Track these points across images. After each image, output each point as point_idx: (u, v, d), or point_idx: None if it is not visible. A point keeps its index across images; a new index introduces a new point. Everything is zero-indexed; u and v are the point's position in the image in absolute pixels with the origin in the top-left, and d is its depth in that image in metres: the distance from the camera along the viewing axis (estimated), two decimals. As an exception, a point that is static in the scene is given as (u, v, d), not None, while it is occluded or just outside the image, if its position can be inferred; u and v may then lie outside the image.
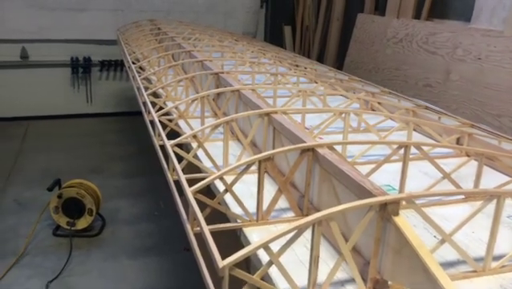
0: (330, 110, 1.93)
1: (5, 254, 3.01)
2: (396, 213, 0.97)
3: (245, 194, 1.40)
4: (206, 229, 1.04)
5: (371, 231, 1.02)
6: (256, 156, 1.26)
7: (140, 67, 2.86)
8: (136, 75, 2.61)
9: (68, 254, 3.02)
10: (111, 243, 3.26)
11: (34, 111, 5.74)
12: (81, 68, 5.88)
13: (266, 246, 0.92)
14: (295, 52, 5.23)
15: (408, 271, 0.94)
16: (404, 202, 1.00)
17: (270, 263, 0.94)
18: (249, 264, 1.24)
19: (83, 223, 3.28)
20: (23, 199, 3.78)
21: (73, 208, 3.25)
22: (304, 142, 1.33)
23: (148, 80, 2.70)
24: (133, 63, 2.93)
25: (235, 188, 1.31)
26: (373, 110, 2.35)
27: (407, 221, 0.97)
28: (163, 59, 3.01)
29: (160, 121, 1.87)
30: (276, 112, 1.61)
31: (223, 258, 0.90)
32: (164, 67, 2.70)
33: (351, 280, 1.07)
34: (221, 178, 1.25)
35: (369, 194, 1.03)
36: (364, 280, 1.04)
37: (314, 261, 0.97)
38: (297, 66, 3.07)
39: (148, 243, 3.26)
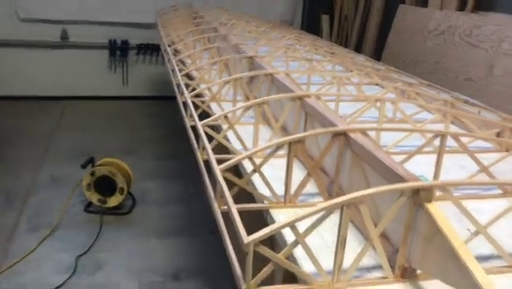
0: (365, 97, 1.89)
1: (38, 227, 3.11)
2: (429, 200, 0.94)
3: (273, 177, 1.38)
4: (233, 207, 1.03)
5: (402, 218, 0.99)
6: (286, 138, 1.24)
7: (176, 50, 2.87)
8: (171, 56, 2.62)
9: (98, 230, 3.09)
10: (140, 222, 3.31)
11: (72, 91, 5.87)
12: (119, 51, 5.96)
13: (292, 226, 0.90)
14: (332, 42, 5.16)
15: (438, 261, 0.91)
16: (437, 193, 0.96)
17: (295, 243, 0.92)
18: (274, 245, 1.23)
19: (114, 201, 3.34)
20: (58, 175, 3.88)
21: (105, 186, 3.31)
22: (336, 126, 1.30)
23: (183, 62, 2.70)
24: (169, 46, 2.95)
25: (263, 170, 1.30)
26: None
27: (440, 209, 0.94)
28: (198, 42, 3.02)
29: (192, 102, 1.87)
30: (309, 96, 1.58)
31: (248, 238, 0.89)
32: (200, 50, 2.70)
33: (378, 267, 1.04)
34: (250, 158, 1.24)
35: (402, 180, 1.00)
36: (392, 268, 1.01)
37: (341, 243, 0.95)
38: (333, 53, 3.02)
39: (177, 224, 3.29)
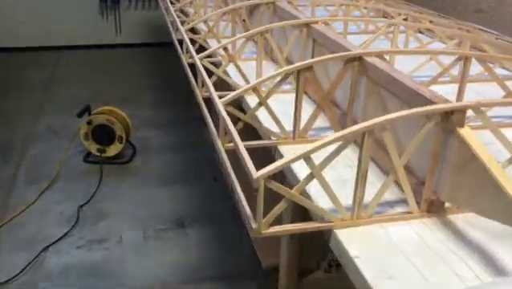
0: (375, 26, 1.74)
1: (38, 179, 3.03)
2: (462, 124, 0.83)
3: (280, 113, 1.27)
4: (239, 141, 0.92)
5: (428, 146, 0.88)
6: (294, 66, 1.12)
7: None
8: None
9: (99, 180, 3.01)
10: (141, 171, 3.22)
11: (64, 40, 5.65)
12: (109, -4, 5.70)
13: (307, 157, 0.80)
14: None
15: (472, 191, 0.81)
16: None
17: (310, 177, 0.82)
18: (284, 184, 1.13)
19: (113, 150, 3.24)
20: (55, 126, 3.77)
21: (103, 135, 3.20)
22: (350, 50, 1.17)
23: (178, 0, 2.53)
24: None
25: (269, 105, 1.18)
26: (421, 32, 2.14)
27: (473, 133, 0.83)
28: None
29: (189, 39, 1.73)
30: (316, 23, 1.44)
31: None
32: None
33: (401, 201, 0.95)
34: (254, 89, 1.12)
35: (428, 103, 0.88)
36: (417, 202, 0.91)
37: (361, 176, 0.85)
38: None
39: (179, 172, 3.21)
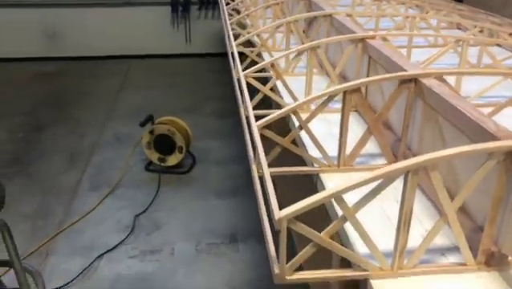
0: (443, 40, 1.59)
1: (100, 186, 3.11)
2: (530, 165, 0.69)
3: (326, 136, 1.17)
4: (267, 171, 0.83)
5: (489, 187, 0.74)
6: (341, 86, 1.01)
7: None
8: (224, 5, 2.41)
9: (156, 189, 3.04)
10: (200, 182, 3.22)
11: (136, 50, 5.84)
12: (181, 7, 5.82)
13: (338, 197, 0.69)
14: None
15: (541, 247, 0.67)
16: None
17: (343, 219, 0.72)
18: (326, 220, 1.03)
19: (173, 160, 3.27)
20: (121, 134, 3.88)
21: (164, 144, 3.24)
22: (405, 70, 1.04)
23: (237, 11, 2.49)
24: (227, 4, 2.67)
25: (315, 128, 1.08)
26: (499, 45, 1.93)
27: (546, 177, 0.68)
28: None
29: (239, 52, 1.67)
30: (373, 38, 1.32)
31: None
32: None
33: (455, 248, 0.81)
34: (294, 112, 1.03)
35: (491, 138, 0.75)
36: (473, 251, 0.78)
37: (404, 220, 0.73)
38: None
39: (237, 184, 3.17)
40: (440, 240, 0.83)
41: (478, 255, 0.77)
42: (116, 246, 2.54)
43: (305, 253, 0.72)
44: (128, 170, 3.31)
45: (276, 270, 0.73)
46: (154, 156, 3.29)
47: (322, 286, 1.18)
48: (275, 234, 0.77)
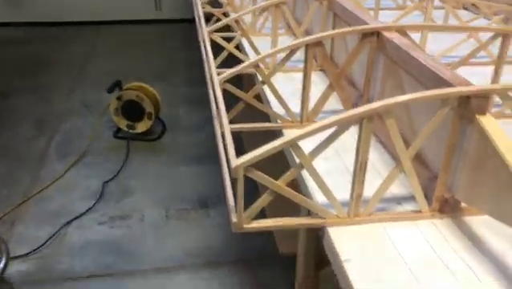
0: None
1: (68, 153, 3.05)
2: (483, 112, 0.69)
3: (292, 95, 1.16)
4: (227, 125, 0.82)
5: (444, 135, 0.75)
6: (302, 40, 1.00)
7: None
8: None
9: (125, 156, 3.00)
10: (169, 148, 3.19)
11: (105, 16, 5.68)
12: (150, -29, 5.66)
13: (294, 144, 0.69)
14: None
15: (492, 191, 0.68)
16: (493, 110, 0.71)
17: (300, 167, 0.72)
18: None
19: (142, 127, 3.22)
20: (90, 100, 3.80)
21: (132, 111, 3.18)
22: (367, 24, 1.04)
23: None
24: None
25: (281, 87, 1.08)
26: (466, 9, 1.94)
27: (496, 122, 0.69)
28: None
29: (210, 15, 1.63)
30: (338, -6, 1.30)
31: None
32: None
33: (410, 198, 0.83)
34: (255, 67, 1.02)
35: (446, 86, 0.75)
36: (428, 198, 0.79)
37: (360, 167, 0.73)
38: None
39: (208, 151, 3.15)
40: (397, 189, 0.84)
41: (433, 202, 0.78)
42: (85, 212, 2.51)
43: (262, 201, 0.72)
44: (96, 137, 3.25)
45: (234, 219, 0.73)
46: (122, 123, 3.23)
47: (289, 242, 1.20)
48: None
